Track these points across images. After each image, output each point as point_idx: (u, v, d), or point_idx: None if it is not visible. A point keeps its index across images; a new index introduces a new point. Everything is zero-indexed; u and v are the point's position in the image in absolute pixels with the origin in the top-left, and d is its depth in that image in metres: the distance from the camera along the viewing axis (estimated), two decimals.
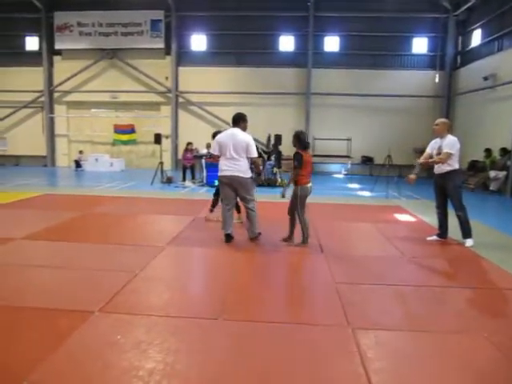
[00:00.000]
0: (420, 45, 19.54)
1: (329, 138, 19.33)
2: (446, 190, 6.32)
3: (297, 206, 6.09)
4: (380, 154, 16.87)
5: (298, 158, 5.95)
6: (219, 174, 6.21)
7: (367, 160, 19.74)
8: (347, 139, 19.25)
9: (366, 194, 12.92)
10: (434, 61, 19.31)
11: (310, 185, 6.15)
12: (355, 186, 15.32)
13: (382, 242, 6.61)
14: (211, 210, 7.67)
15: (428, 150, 6.52)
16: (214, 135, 7.07)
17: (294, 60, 19.93)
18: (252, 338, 3.37)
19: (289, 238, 6.31)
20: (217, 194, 7.36)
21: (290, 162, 20.25)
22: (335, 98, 19.49)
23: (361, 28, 19.26)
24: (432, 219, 8.34)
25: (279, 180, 14.19)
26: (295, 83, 19.86)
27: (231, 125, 6.40)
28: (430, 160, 6.34)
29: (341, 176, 19.57)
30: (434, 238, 6.64)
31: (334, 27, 19.52)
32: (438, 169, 6.32)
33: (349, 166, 19.71)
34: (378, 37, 19.36)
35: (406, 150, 19.11)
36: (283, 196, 6.20)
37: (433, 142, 6.48)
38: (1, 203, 9.15)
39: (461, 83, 18.52)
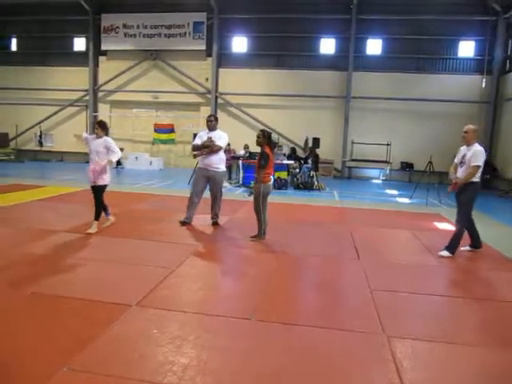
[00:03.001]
0: (466, 48, 18.87)
1: (367, 142, 19.01)
2: (459, 200, 6.02)
3: (259, 203, 6.34)
4: (420, 160, 16.44)
5: (265, 157, 6.26)
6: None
7: (407, 166, 19.26)
8: (387, 144, 18.85)
9: (405, 200, 12.62)
10: (480, 65, 18.63)
11: (271, 182, 6.51)
12: (394, 192, 14.99)
13: (420, 250, 6.44)
14: (107, 214, 6.95)
15: (455, 160, 6.22)
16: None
17: (334, 63, 19.72)
18: (285, 340, 3.37)
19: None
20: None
21: (328, 166, 20.01)
22: (375, 102, 19.14)
23: (404, 31, 18.81)
24: None
25: (316, 183, 14.07)
26: (335, 86, 19.64)
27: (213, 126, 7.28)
28: (459, 180, 5.91)
29: (379, 181, 19.21)
30: (467, 248, 6.37)
31: (377, 30, 19.16)
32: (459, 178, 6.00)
33: (387, 171, 19.31)
34: (423, 40, 18.86)
35: (448, 157, 18.42)
36: (251, 194, 6.54)
37: (461, 149, 6.14)
38: (46, 197, 9.54)
39: (509, 88, 17.78)
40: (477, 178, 5.88)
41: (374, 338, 3.45)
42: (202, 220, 7.56)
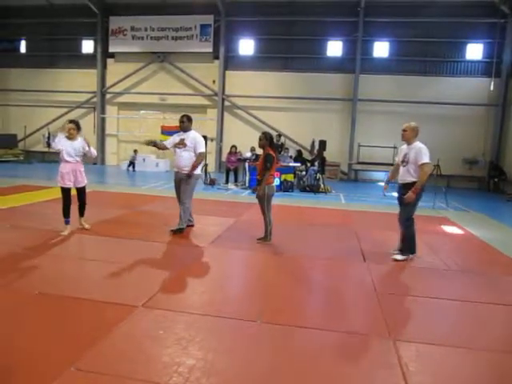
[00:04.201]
0: (474, 51, 18.78)
1: (374, 145, 18.95)
2: (402, 201, 5.81)
3: (264, 205, 6.38)
4: None
5: (270, 159, 6.24)
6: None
7: None
8: (393, 147, 18.78)
9: None
10: (489, 68, 18.51)
11: (274, 183, 6.63)
12: None
13: (427, 254, 6.40)
14: (68, 222, 6.49)
15: (397, 159, 6.01)
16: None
17: (341, 65, 19.70)
18: (290, 342, 3.37)
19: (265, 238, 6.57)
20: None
21: (334, 168, 19.87)
22: (382, 105, 19.09)
23: (412, 33, 18.75)
24: (482, 233, 8.03)
25: (322, 186, 14.05)
26: (342, 89, 19.63)
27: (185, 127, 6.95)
28: (417, 185, 5.57)
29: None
30: (397, 253, 6.03)
31: (384, 32, 19.12)
32: (402, 178, 5.84)
33: None
34: (430, 42, 18.79)
35: (456, 160, 18.46)
36: (254, 191, 6.56)
37: (401, 148, 5.96)
38: (53, 198, 9.58)
39: None
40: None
41: (379, 341, 3.43)
42: (211, 222, 7.58)
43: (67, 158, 6.33)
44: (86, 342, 3.11)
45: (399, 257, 5.87)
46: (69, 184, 6.38)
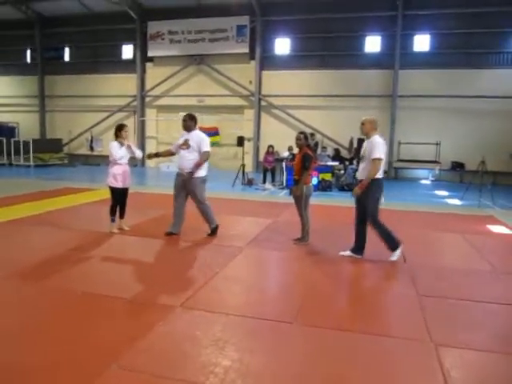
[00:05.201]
0: None
1: (416, 142, 18.44)
2: (363, 201, 5.52)
3: (301, 205, 6.35)
4: (472, 159, 15.73)
5: (309, 159, 6.20)
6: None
7: (458, 166, 18.50)
8: (436, 143, 18.21)
9: (456, 202, 12.12)
10: None
11: (312, 184, 6.65)
12: (443, 193, 14.43)
13: (472, 255, 6.17)
14: (114, 220, 6.84)
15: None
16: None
17: (379, 61, 19.27)
18: (327, 345, 3.32)
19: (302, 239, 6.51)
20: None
21: None
22: (424, 100, 18.51)
23: (454, 25, 18.06)
24: None
25: None
26: (380, 85, 19.20)
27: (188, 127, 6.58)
28: (363, 182, 5.35)
29: (428, 182, 18.57)
30: (348, 253, 5.79)
31: (425, 25, 18.52)
32: (360, 174, 5.54)
33: (437, 171, 18.63)
34: (474, 33, 18.01)
35: (502, 156, 17.62)
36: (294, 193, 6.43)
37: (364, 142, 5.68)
38: (96, 200, 9.94)
39: None
40: (378, 174, 5.37)
41: (420, 345, 3.33)
42: (249, 222, 7.59)
43: (120, 161, 6.70)
44: (127, 341, 3.19)
45: (394, 256, 5.59)
46: (121, 184, 6.75)
